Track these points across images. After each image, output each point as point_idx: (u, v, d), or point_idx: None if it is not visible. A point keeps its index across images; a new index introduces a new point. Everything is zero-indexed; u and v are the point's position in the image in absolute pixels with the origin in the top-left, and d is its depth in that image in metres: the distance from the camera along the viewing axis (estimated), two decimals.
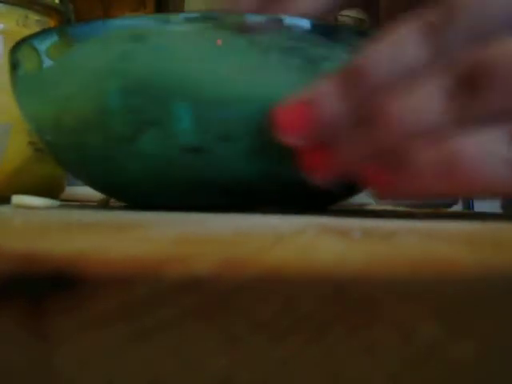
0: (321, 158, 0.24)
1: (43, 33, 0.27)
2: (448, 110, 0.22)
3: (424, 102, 0.22)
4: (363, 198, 0.60)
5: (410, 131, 0.22)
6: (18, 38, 0.29)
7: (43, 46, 0.27)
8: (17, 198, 0.29)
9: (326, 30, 0.25)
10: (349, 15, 0.60)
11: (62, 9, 0.46)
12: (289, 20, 0.25)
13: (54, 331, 0.09)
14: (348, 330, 0.10)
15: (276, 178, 0.27)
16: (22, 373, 0.09)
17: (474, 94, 0.22)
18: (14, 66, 0.30)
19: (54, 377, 0.09)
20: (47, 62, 0.27)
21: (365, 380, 0.10)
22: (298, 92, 0.24)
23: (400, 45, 0.23)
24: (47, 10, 0.45)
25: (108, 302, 0.09)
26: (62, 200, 0.46)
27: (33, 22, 0.43)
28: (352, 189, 0.32)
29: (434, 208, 0.64)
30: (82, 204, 0.42)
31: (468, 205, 1.74)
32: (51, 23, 0.45)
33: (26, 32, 0.37)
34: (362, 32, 0.26)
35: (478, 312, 0.10)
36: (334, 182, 0.25)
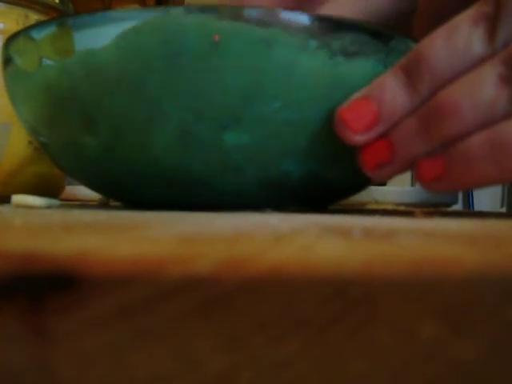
0: (383, 153, 0.25)
1: (41, 23, 0.27)
2: (502, 96, 0.22)
3: (481, 91, 0.22)
4: (363, 198, 0.60)
5: (469, 121, 0.23)
6: None
7: (41, 36, 0.26)
8: (17, 198, 0.29)
9: (384, 35, 0.26)
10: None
11: (61, 8, 0.46)
12: (353, 24, 0.25)
13: (53, 330, 0.09)
14: (348, 330, 0.10)
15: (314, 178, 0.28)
16: (22, 370, 0.09)
17: None
18: (7, 61, 0.29)
19: (52, 375, 0.09)
20: (45, 57, 0.26)
21: (365, 380, 0.10)
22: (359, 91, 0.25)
23: (455, 32, 0.23)
24: (47, 10, 0.45)
25: (108, 302, 0.09)
26: (62, 199, 0.45)
27: (33, 21, 0.43)
28: (357, 188, 0.32)
29: (434, 207, 0.64)
30: (82, 204, 0.42)
31: (468, 204, 1.75)
32: None
33: None
34: (415, 39, 0.27)
35: (478, 312, 0.10)
36: (391, 177, 0.25)
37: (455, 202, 0.67)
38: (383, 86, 0.24)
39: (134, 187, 0.28)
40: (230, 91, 0.24)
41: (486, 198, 1.85)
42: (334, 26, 0.25)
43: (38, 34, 0.26)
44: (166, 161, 0.26)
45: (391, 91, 0.24)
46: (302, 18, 0.25)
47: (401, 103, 0.24)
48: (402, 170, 0.25)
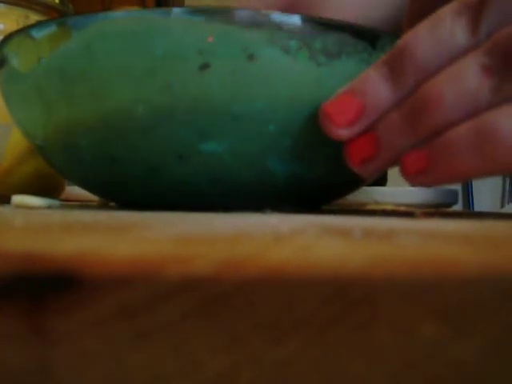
0: (368, 147, 0.24)
1: (41, 23, 0.27)
2: (485, 86, 0.22)
3: (464, 82, 0.22)
4: (363, 198, 0.60)
5: (452, 112, 0.23)
6: None
7: (41, 35, 0.26)
8: (17, 198, 0.29)
9: (368, 35, 0.26)
10: None
11: (61, 9, 0.46)
12: (336, 24, 0.25)
13: (53, 330, 0.09)
14: (348, 330, 0.10)
15: (297, 178, 0.27)
16: (22, 370, 0.09)
17: (508, 71, 0.22)
18: (1, 62, 0.29)
19: (52, 375, 0.09)
20: (44, 58, 0.26)
21: (365, 380, 0.10)
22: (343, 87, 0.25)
23: (439, 25, 0.23)
24: (47, 10, 0.45)
25: (108, 302, 0.09)
26: (62, 200, 0.45)
27: (33, 22, 0.43)
28: (348, 187, 0.32)
29: (434, 208, 0.64)
30: (82, 204, 0.42)
31: (468, 204, 1.75)
32: None
33: None
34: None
35: (478, 312, 0.10)
36: (376, 173, 0.25)
37: (455, 202, 0.67)
38: (367, 81, 0.24)
39: (128, 189, 0.29)
40: (213, 92, 0.24)
41: (486, 198, 1.86)
42: (314, 26, 0.25)
43: (38, 33, 0.26)
44: (154, 164, 0.26)
45: (375, 85, 0.24)
46: (282, 19, 0.24)
47: (384, 97, 0.24)
48: (388, 165, 0.25)
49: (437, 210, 0.62)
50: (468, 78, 0.22)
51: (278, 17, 0.24)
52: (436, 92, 0.23)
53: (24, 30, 0.27)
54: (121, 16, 0.25)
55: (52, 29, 0.26)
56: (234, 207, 0.28)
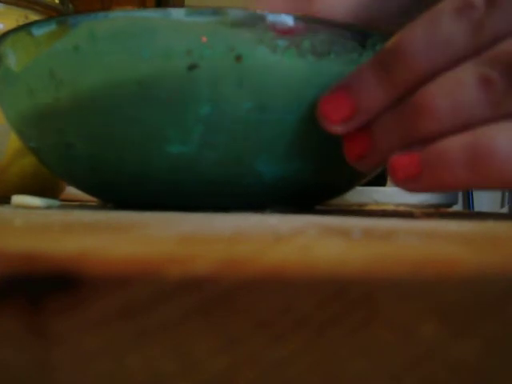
0: (363, 145, 0.24)
1: (41, 21, 0.27)
2: (483, 100, 0.21)
3: (460, 93, 0.21)
4: (363, 198, 0.60)
5: (446, 122, 0.22)
6: None
7: (40, 33, 0.26)
8: (17, 198, 0.29)
9: (357, 35, 0.26)
10: None
11: (61, 9, 0.46)
12: (325, 23, 0.25)
13: (53, 331, 0.09)
14: (348, 330, 0.10)
15: (287, 179, 0.27)
16: (22, 371, 0.09)
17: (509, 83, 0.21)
18: None
19: (52, 375, 0.09)
20: (42, 55, 0.26)
21: (365, 380, 0.10)
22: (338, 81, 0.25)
23: (437, 24, 0.22)
24: (47, 10, 0.45)
25: (108, 302, 0.09)
26: (62, 200, 0.46)
27: None
28: (341, 187, 0.32)
29: (434, 208, 0.64)
30: (82, 204, 0.42)
31: (468, 204, 1.75)
32: None
33: None
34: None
35: (478, 312, 0.10)
36: (375, 168, 0.25)
37: (455, 202, 0.67)
38: (360, 79, 0.24)
39: (121, 189, 0.29)
40: (201, 93, 0.24)
41: (486, 198, 1.86)
42: (303, 25, 0.25)
43: (38, 31, 0.26)
44: (142, 164, 0.26)
45: (367, 85, 0.24)
46: (269, 18, 0.24)
47: (377, 97, 0.24)
48: (384, 163, 0.24)
49: (437, 209, 0.62)
50: (465, 89, 0.21)
51: (266, 16, 0.24)
52: (430, 101, 0.22)
53: (23, 27, 0.27)
54: (109, 16, 0.24)
55: (52, 27, 0.26)
56: (223, 208, 0.28)
